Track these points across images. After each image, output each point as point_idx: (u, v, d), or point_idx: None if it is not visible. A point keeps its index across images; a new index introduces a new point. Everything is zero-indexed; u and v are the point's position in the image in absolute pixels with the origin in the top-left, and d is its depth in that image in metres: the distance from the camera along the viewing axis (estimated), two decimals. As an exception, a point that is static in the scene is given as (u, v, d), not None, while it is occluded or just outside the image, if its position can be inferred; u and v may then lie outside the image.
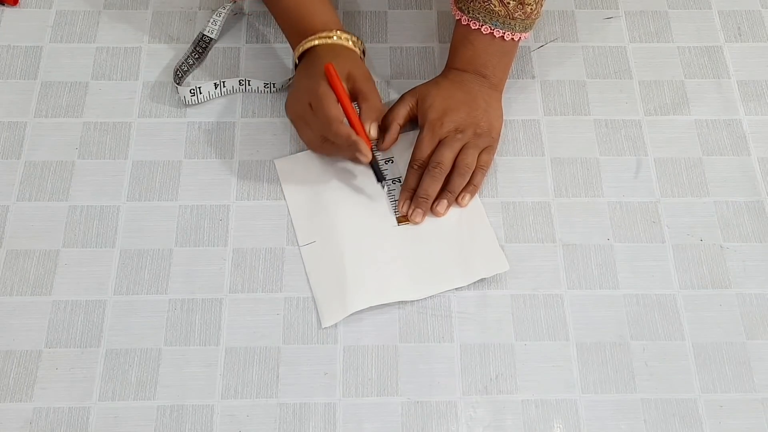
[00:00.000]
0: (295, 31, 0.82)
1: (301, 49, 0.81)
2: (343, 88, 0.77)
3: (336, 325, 0.75)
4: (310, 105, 0.77)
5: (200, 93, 0.86)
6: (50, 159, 0.83)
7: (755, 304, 0.77)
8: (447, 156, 0.79)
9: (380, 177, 0.79)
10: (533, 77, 0.91)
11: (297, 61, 0.82)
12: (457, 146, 0.80)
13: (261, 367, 0.73)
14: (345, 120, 0.76)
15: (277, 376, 0.73)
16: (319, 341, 0.74)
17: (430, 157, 0.80)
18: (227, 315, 0.75)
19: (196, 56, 0.90)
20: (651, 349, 0.75)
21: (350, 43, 0.81)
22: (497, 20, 0.79)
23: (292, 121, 0.83)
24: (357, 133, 0.76)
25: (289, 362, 0.73)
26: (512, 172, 0.84)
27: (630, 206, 0.82)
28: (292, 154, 0.84)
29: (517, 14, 0.79)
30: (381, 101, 0.80)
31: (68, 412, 0.71)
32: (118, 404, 0.71)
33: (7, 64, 0.90)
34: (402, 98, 0.85)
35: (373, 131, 0.78)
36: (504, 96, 0.88)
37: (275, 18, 0.86)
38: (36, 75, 0.89)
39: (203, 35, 0.90)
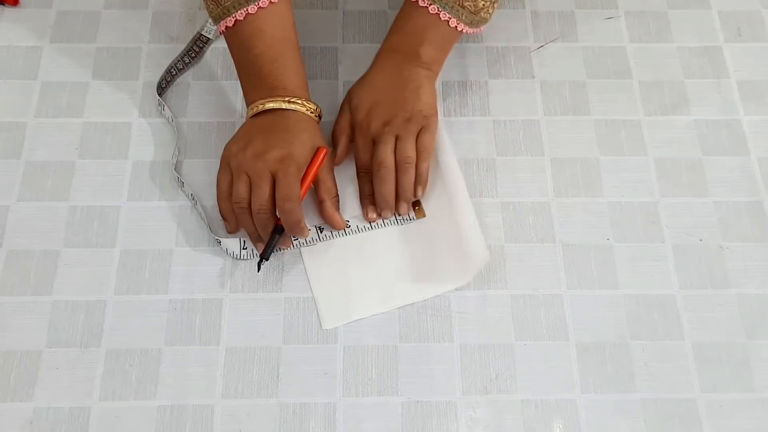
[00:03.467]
0: (264, 84, 0.77)
1: (266, 104, 0.76)
2: (314, 176, 0.76)
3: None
4: (272, 171, 0.73)
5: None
6: (50, 159, 0.84)
7: (755, 304, 0.77)
8: (385, 152, 0.77)
9: (266, 256, 0.75)
10: (533, 77, 0.91)
11: (259, 109, 0.77)
12: (390, 140, 0.78)
13: (261, 367, 0.73)
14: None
15: (277, 376, 0.73)
16: (319, 341, 0.75)
17: (369, 158, 0.79)
18: (227, 315, 0.75)
19: (193, 55, 0.90)
20: (651, 349, 0.75)
21: (316, 116, 0.79)
22: (446, 3, 0.78)
23: (234, 164, 0.75)
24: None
25: (289, 362, 0.73)
26: (512, 172, 0.84)
27: (630, 206, 0.82)
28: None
29: (467, 4, 0.78)
30: (335, 183, 0.78)
31: (68, 412, 0.71)
32: (118, 404, 0.71)
33: (7, 64, 0.90)
34: (340, 108, 0.84)
35: (336, 221, 0.78)
36: (504, 96, 0.88)
37: (240, 67, 0.80)
38: (36, 75, 0.89)
39: (201, 35, 0.90)
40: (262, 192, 0.73)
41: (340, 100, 0.87)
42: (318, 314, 0.76)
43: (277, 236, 0.75)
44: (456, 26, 0.79)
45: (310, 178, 0.75)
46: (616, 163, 0.85)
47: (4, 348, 0.74)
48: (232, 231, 0.78)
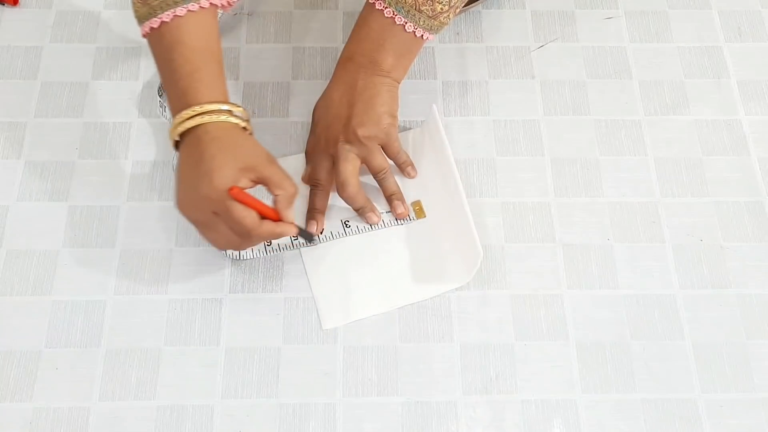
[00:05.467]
0: (180, 100, 0.71)
1: (183, 125, 0.69)
2: (256, 201, 0.68)
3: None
4: (215, 213, 0.68)
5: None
6: (50, 159, 0.83)
7: (755, 304, 0.77)
8: (348, 172, 0.77)
9: (309, 238, 0.76)
10: (533, 77, 0.91)
11: (177, 138, 0.71)
12: (351, 158, 0.77)
13: (261, 367, 0.73)
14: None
15: (277, 376, 0.73)
16: (319, 341, 0.74)
17: (329, 175, 0.78)
18: (227, 315, 0.75)
19: None
20: (651, 349, 0.75)
21: (240, 120, 0.71)
22: (402, 6, 0.76)
23: (198, 223, 0.71)
24: (279, 222, 0.70)
25: (289, 362, 0.73)
26: (512, 172, 0.84)
27: (630, 206, 0.82)
28: (293, 154, 0.84)
29: (424, 8, 0.76)
30: (290, 181, 0.70)
31: (68, 412, 0.71)
32: (118, 404, 0.71)
33: (7, 64, 0.90)
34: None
35: (291, 216, 0.71)
36: (504, 96, 0.88)
37: (162, 79, 0.74)
38: (36, 75, 0.89)
39: None
40: (226, 228, 0.69)
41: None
42: (318, 314, 0.76)
43: (303, 230, 0.73)
44: (414, 31, 0.77)
45: (254, 208, 0.68)
46: (616, 163, 0.85)
47: (3, 348, 0.73)
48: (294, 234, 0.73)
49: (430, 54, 0.92)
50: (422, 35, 0.77)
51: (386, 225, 0.80)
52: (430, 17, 0.76)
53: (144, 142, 0.85)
